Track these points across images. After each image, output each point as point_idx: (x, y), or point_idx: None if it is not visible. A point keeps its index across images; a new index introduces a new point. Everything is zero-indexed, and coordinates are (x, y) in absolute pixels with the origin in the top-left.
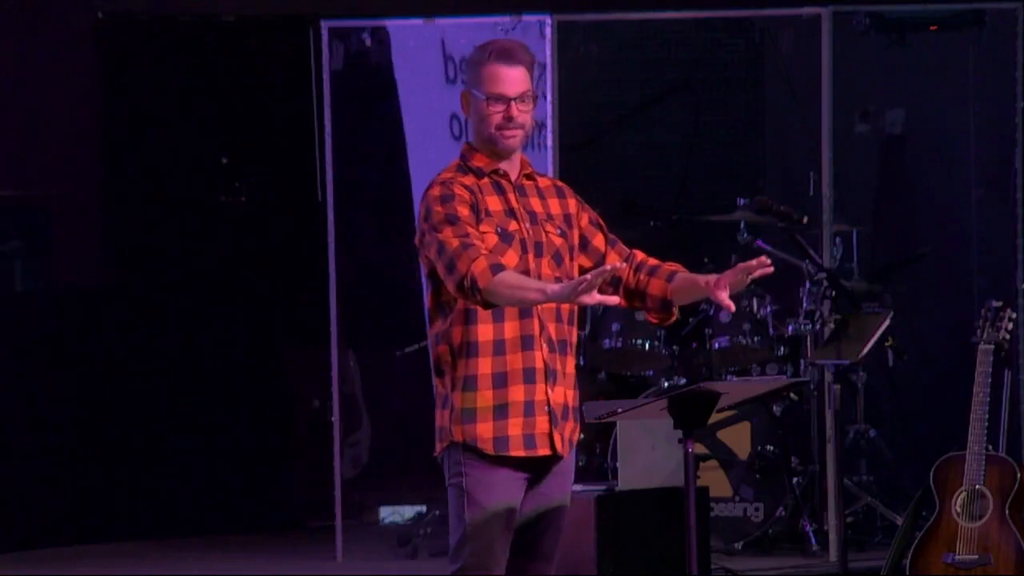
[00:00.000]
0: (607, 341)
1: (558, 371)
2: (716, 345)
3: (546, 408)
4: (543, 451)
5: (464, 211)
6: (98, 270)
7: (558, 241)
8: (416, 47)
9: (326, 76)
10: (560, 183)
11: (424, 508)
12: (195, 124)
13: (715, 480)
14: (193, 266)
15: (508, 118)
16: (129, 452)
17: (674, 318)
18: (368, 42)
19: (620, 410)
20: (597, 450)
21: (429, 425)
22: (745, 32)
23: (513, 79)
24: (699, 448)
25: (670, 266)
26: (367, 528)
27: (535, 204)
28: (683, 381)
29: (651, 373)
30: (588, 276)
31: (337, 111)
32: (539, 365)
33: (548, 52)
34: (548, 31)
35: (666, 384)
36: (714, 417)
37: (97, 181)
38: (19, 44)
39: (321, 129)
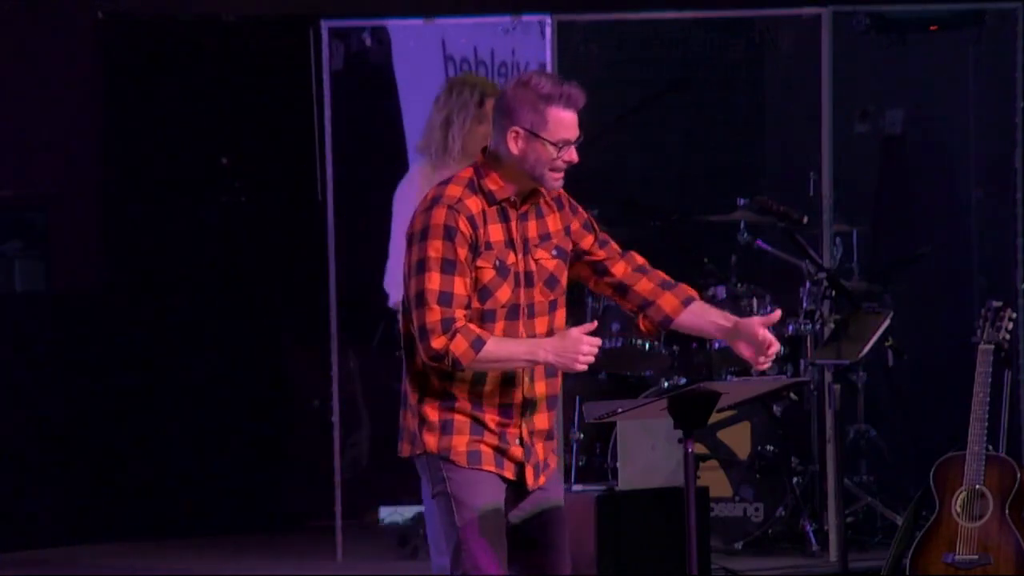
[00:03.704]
0: (607, 341)
1: (539, 399)
2: (716, 345)
3: (518, 439)
4: (508, 473)
5: (463, 253)
6: (98, 270)
7: (551, 264)
8: (416, 47)
9: (326, 76)
10: (560, 193)
11: (424, 508)
12: (195, 124)
13: (715, 480)
14: (193, 266)
15: (567, 162)
16: (129, 452)
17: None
18: (368, 42)
19: (620, 410)
20: (597, 450)
21: None
22: (745, 32)
23: (574, 124)
24: (699, 448)
25: (685, 289)
26: (367, 528)
27: (531, 229)
28: (683, 381)
29: (651, 373)
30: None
31: (337, 111)
32: (517, 400)
33: (548, 52)
34: (548, 31)
35: (666, 384)
36: (714, 417)
37: (97, 181)
38: (19, 44)
39: (321, 129)
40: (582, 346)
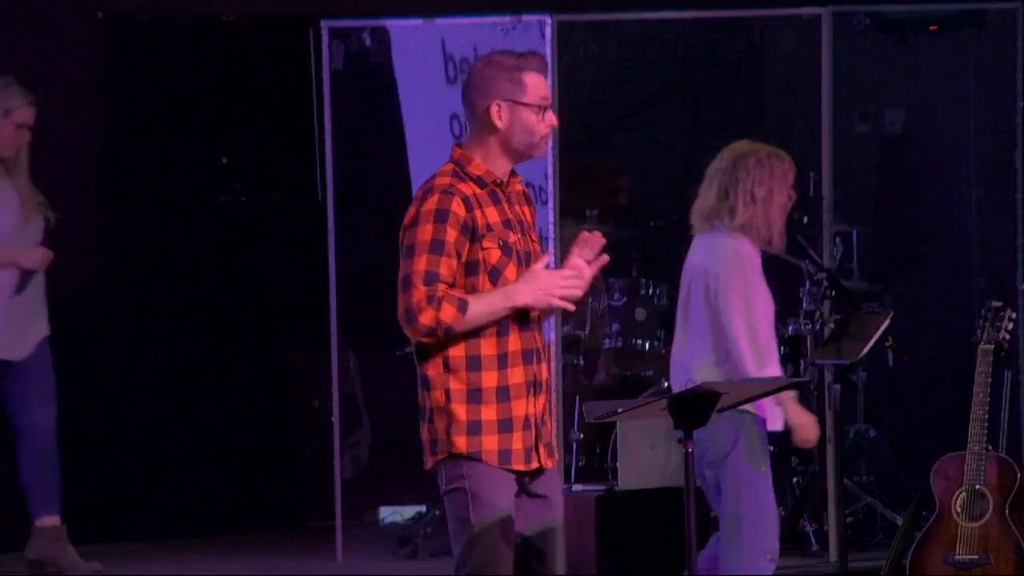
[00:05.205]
0: (607, 341)
1: (542, 381)
2: None
3: (534, 421)
4: (535, 464)
5: (452, 234)
6: (98, 270)
7: (539, 250)
8: (416, 47)
9: (326, 76)
10: (525, 188)
11: (424, 508)
12: (195, 124)
13: None
14: (193, 266)
15: (550, 125)
16: (129, 452)
17: None
18: (368, 42)
19: (620, 410)
20: (597, 450)
21: None
22: (745, 32)
23: (547, 87)
24: None
25: None
26: (367, 528)
27: (521, 212)
28: None
29: (651, 373)
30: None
31: (337, 111)
32: (543, 376)
33: (548, 52)
34: (548, 31)
35: (666, 384)
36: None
37: (97, 181)
38: (19, 44)
39: (321, 129)
40: (555, 280)
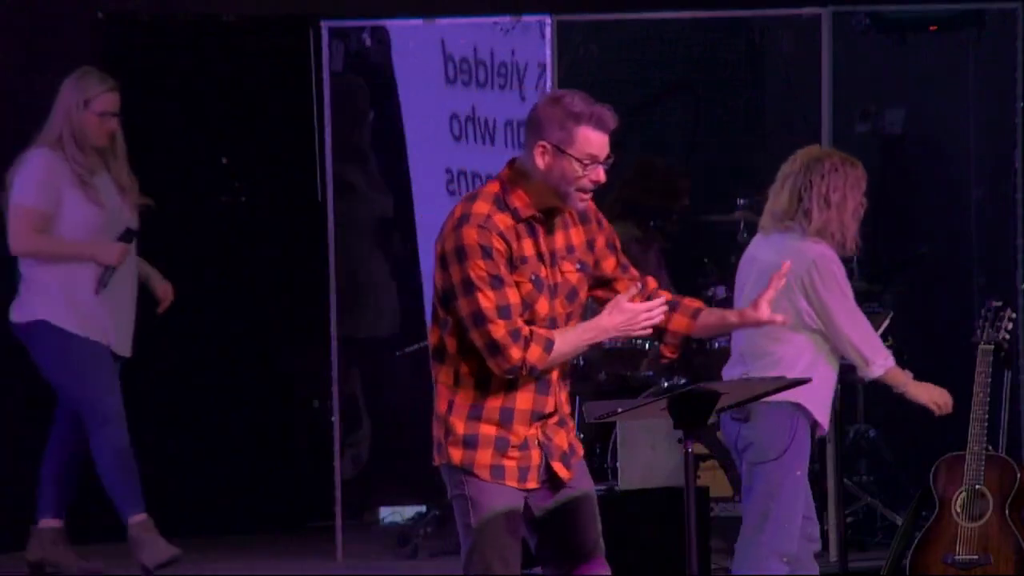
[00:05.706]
0: (607, 341)
1: (556, 409)
2: (716, 345)
3: (536, 442)
4: (531, 484)
5: (504, 270)
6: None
7: (574, 278)
8: (416, 47)
9: (326, 76)
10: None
11: (424, 508)
12: (195, 124)
13: (715, 480)
14: (193, 266)
15: (594, 181)
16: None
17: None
18: (368, 42)
19: (620, 410)
20: (597, 450)
21: (429, 425)
22: (745, 32)
23: (603, 144)
24: (699, 448)
25: (691, 302)
26: (367, 528)
27: (558, 241)
28: (683, 381)
29: (651, 373)
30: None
31: (337, 111)
32: (555, 406)
33: (548, 52)
34: (548, 31)
35: (666, 384)
36: (714, 417)
37: None
38: (19, 44)
39: (321, 129)
40: (640, 312)
